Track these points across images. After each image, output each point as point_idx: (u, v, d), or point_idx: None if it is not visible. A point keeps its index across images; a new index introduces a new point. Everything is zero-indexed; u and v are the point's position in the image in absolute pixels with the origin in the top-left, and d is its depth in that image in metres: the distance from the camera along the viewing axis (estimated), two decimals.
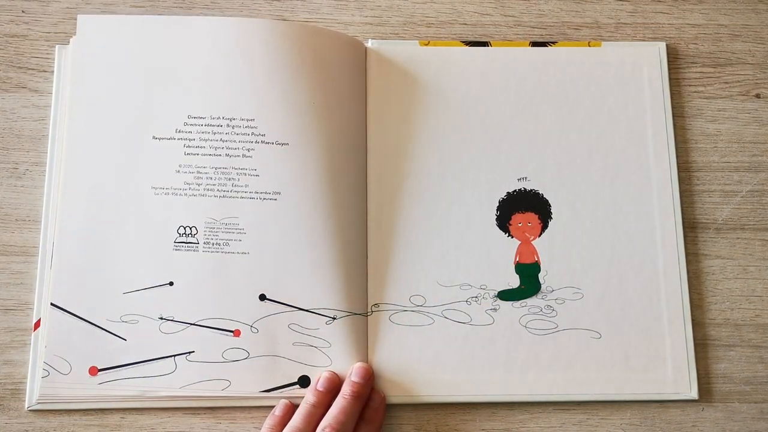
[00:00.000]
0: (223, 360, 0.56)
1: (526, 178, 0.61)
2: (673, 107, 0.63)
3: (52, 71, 0.62)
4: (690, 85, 0.64)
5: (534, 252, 0.60)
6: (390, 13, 0.65)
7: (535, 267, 0.59)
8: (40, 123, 0.61)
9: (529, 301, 0.59)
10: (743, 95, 0.64)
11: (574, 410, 0.57)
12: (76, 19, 0.62)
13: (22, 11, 0.63)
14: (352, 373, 0.55)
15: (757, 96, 0.64)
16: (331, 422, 0.52)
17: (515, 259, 0.59)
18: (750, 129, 0.63)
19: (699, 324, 0.59)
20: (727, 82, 0.64)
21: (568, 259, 0.59)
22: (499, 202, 0.60)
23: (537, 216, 0.60)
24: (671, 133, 0.61)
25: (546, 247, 0.60)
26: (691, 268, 0.60)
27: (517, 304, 0.59)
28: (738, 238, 0.61)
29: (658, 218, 0.60)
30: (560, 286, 0.59)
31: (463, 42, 0.64)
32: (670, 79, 0.63)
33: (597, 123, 0.62)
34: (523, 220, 0.60)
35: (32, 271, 0.58)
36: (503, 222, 0.60)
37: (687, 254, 0.60)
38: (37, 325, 0.57)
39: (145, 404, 0.56)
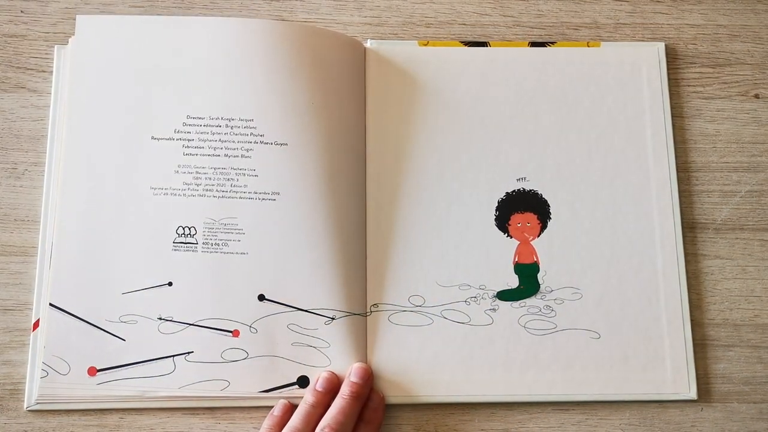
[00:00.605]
0: (222, 360, 0.56)
1: (525, 178, 0.61)
2: (672, 107, 0.63)
3: (51, 71, 0.61)
4: (689, 86, 0.64)
5: (533, 252, 0.59)
6: (389, 14, 0.65)
7: (534, 267, 0.59)
8: (39, 123, 0.61)
9: (528, 301, 0.58)
10: (742, 95, 0.64)
11: (573, 410, 0.57)
12: (75, 19, 0.62)
13: (21, 11, 0.63)
14: (351, 373, 0.55)
15: (756, 96, 0.64)
16: (330, 422, 0.52)
17: (514, 259, 0.59)
18: (749, 129, 0.63)
19: (698, 324, 0.59)
20: (725, 83, 0.64)
21: (567, 260, 0.59)
22: (498, 202, 0.60)
23: (536, 216, 0.60)
24: (670, 134, 0.61)
25: (545, 248, 0.60)
26: (690, 269, 0.60)
27: (516, 304, 0.58)
28: (737, 238, 0.61)
29: (657, 218, 0.60)
30: (559, 287, 0.59)
31: (462, 42, 0.63)
32: (669, 79, 0.63)
33: (596, 123, 0.62)
34: (522, 220, 0.60)
35: (31, 272, 0.58)
36: (502, 222, 0.60)
37: (686, 254, 0.60)
38: (36, 325, 0.56)
39: (144, 404, 0.55)
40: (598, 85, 0.62)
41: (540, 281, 0.59)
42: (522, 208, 0.60)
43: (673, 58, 0.64)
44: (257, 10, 0.64)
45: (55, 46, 0.62)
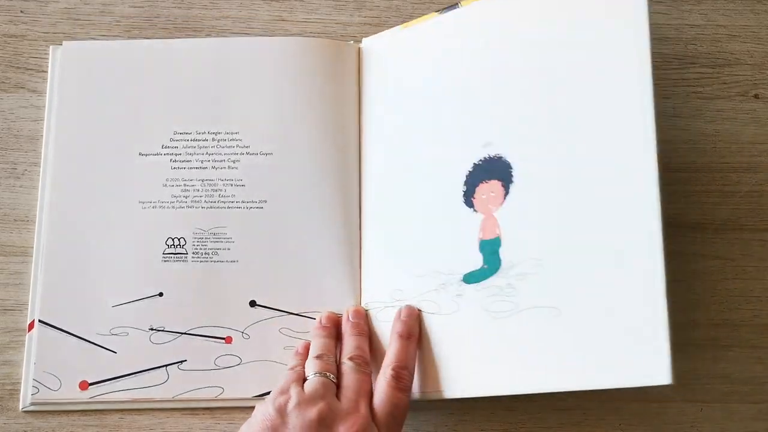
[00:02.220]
0: (215, 367, 0.55)
1: (491, 143, 0.53)
2: (672, 107, 0.61)
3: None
4: (689, 86, 0.62)
5: (495, 225, 0.52)
6: (389, 14, 0.63)
7: (497, 242, 0.51)
8: (38, 123, 0.59)
9: (491, 280, 0.51)
10: (742, 96, 0.62)
11: (573, 410, 0.55)
12: (74, 19, 0.61)
13: (21, 11, 0.62)
14: (348, 315, 0.55)
15: (756, 96, 0.62)
16: (353, 352, 0.52)
17: (479, 235, 0.52)
18: (748, 129, 0.61)
19: (698, 324, 0.57)
20: (725, 83, 0.62)
21: (532, 229, 0.50)
22: (466, 176, 0.54)
23: (500, 183, 0.52)
24: (649, 103, 0.47)
25: (509, 218, 0.51)
26: (689, 268, 0.58)
27: (479, 286, 0.51)
28: (737, 238, 0.59)
29: (631, 179, 0.47)
30: (521, 260, 0.50)
31: (437, 12, 0.58)
32: (667, 79, 0.61)
33: (567, 87, 0.51)
34: (486, 190, 0.53)
35: (30, 272, 0.56)
36: (469, 197, 0.53)
37: (686, 254, 0.58)
38: (32, 326, 0.55)
39: (142, 405, 0.54)
40: (575, 49, 0.52)
41: (501, 256, 0.51)
42: (487, 176, 0.52)
43: (672, 58, 0.63)
44: (257, 10, 0.63)
45: (51, 46, 0.60)
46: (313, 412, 0.47)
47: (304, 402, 0.47)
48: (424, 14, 0.63)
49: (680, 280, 0.58)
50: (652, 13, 0.63)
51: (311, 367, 0.51)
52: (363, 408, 0.48)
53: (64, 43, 0.60)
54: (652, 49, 0.48)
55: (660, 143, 0.44)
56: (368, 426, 0.47)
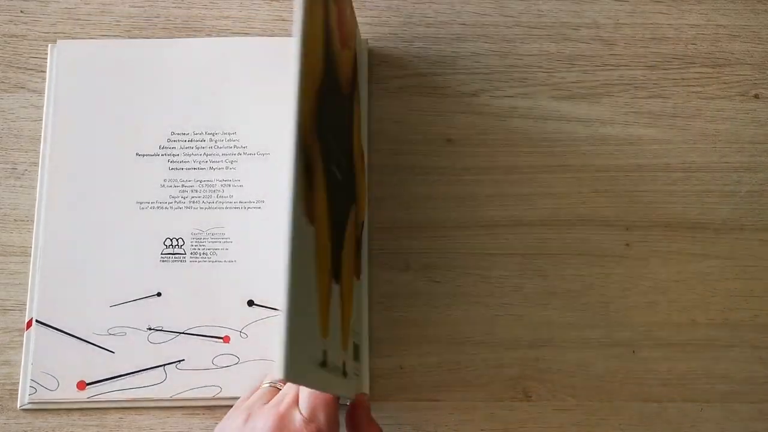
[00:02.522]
0: (213, 366, 0.55)
1: None
2: (672, 107, 0.61)
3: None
4: (689, 86, 0.61)
5: None
6: (389, 13, 0.63)
7: None
8: (38, 123, 0.58)
9: None
10: (742, 95, 0.61)
11: (572, 410, 0.55)
12: (74, 19, 0.61)
13: (21, 11, 0.61)
14: None
15: (756, 96, 0.62)
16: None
17: None
18: (749, 129, 0.60)
19: (698, 324, 0.57)
20: (725, 83, 0.62)
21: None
22: None
23: None
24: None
25: None
26: (689, 268, 0.58)
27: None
28: (737, 238, 0.58)
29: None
30: None
31: None
32: (667, 79, 0.61)
33: None
34: None
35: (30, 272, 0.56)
36: None
37: (686, 254, 0.58)
38: (29, 325, 0.55)
39: (142, 404, 0.54)
40: None
41: None
42: None
43: (672, 57, 0.62)
44: (257, 10, 0.63)
45: (49, 45, 0.60)
46: (238, 419, 0.47)
47: (235, 415, 0.48)
48: (423, 13, 0.63)
49: (680, 280, 0.58)
50: (652, 14, 0.63)
51: (268, 377, 0.51)
52: (287, 399, 0.47)
53: (58, 41, 0.59)
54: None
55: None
56: (286, 414, 0.45)
